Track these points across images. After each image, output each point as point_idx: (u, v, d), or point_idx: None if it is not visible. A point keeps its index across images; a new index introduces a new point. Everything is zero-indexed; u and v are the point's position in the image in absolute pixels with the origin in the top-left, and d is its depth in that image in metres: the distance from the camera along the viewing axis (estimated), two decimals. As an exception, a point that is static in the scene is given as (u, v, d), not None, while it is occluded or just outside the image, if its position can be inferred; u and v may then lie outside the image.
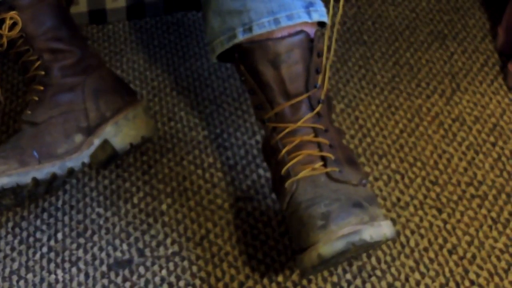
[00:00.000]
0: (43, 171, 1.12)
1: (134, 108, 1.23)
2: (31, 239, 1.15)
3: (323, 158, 1.04)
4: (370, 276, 1.08)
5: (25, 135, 1.15)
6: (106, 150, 1.20)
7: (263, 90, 1.05)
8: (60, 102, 1.17)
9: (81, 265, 1.11)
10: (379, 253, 1.11)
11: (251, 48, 1.04)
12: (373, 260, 1.10)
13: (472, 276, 1.09)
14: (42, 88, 1.17)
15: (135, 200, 1.20)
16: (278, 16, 1.04)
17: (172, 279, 1.09)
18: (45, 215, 1.18)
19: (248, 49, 1.04)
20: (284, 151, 1.04)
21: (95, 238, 1.15)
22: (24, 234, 1.15)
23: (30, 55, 1.17)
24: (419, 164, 1.25)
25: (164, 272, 1.10)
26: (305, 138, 1.04)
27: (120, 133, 1.21)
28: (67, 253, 1.13)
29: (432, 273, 1.09)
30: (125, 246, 1.13)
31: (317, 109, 1.05)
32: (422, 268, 1.10)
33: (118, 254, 1.12)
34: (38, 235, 1.15)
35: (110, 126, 1.20)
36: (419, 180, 1.23)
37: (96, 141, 1.18)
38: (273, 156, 1.05)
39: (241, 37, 1.05)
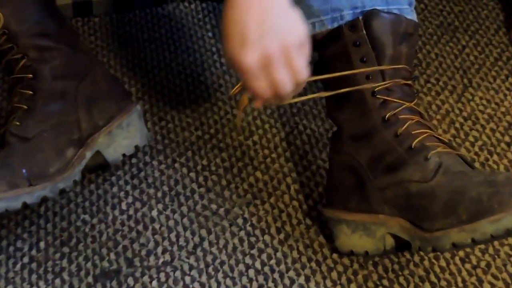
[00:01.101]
0: (33, 195, 1.10)
1: (128, 115, 1.21)
2: (11, 249, 1.14)
3: (441, 141, 1.08)
4: (376, 286, 1.08)
5: (15, 152, 1.12)
6: (97, 159, 1.19)
7: (380, 62, 1.09)
8: (51, 113, 1.15)
9: (65, 276, 1.10)
10: (386, 261, 1.10)
11: (385, 17, 1.08)
12: (380, 269, 1.09)
13: (486, 286, 1.08)
14: (31, 93, 1.15)
15: (123, 206, 1.20)
16: (391, 8, 1.09)
17: (163, 291, 1.09)
18: (26, 223, 1.17)
19: (382, 17, 1.08)
20: (407, 124, 1.07)
21: (80, 247, 1.14)
22: (4, 243, 1.14)
23: (15, 53, 1.15)
24: (428, 165, 1.26)
25: (154, 283, 1.09)
26: (421, 119, 1.08)
27: (113, 143, 1.20)
28: (50, 263, 1.12)
29: (443, 283, 1.08)
30: (112, 256, 1.13)
31: (416, 99, 1.11)
32: (432, 278, 1.09)
33: (105, 264, 1.12)
34: (18, 244, 1.15)
35: (103, 137, 1.19)
36: (429, 182, 1.23)
37: (88, 154, 1.17)
38: (389, 128, 1.08)
39: (350, 19, 1.09)
